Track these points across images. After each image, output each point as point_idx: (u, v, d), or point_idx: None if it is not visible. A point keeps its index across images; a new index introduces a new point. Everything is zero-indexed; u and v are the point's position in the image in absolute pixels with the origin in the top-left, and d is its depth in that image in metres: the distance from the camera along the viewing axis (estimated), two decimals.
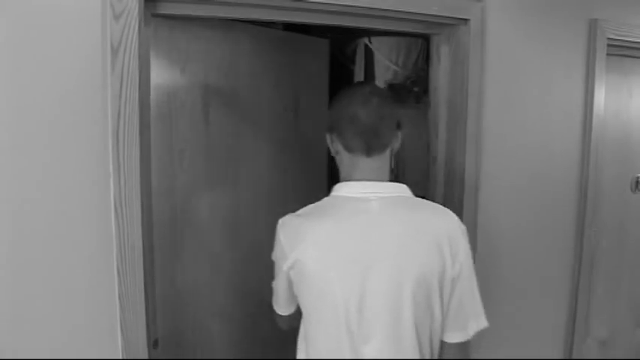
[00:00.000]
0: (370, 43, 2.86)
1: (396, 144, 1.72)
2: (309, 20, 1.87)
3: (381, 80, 2.82)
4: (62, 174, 1.52)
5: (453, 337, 1.60)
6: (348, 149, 1.62)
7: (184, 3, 1.64)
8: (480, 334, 2.13)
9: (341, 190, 1.63)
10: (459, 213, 2.13)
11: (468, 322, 1.62)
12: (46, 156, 1.50)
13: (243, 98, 2.32)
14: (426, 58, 2.83)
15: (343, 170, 1.68)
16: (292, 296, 1.65)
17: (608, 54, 2.46)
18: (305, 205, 1.63)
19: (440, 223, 1.62)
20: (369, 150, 1.61)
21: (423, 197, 1.74)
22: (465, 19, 2.06)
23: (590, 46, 2.42)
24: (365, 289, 1.51)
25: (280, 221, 1.62)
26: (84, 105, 1.52)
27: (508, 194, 2.31)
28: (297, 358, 1.70)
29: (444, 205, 1.76)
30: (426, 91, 2.41)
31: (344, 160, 1.66)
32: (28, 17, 1.44)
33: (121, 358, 1.62)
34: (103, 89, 1.52)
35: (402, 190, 1.66)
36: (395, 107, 1.73)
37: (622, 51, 2.58)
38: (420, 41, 2.86)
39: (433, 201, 2.22)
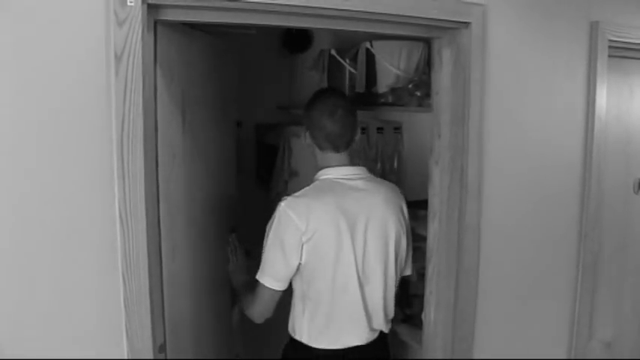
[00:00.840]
0: (372, 47, 2.86)
1: (357, 137, 2.26)
2: (311, 25, 1.88)
3: (382, 84, 2.82)
4: (66, 180, 1.53)
5: (407, 272, 2.36)
6: (321, 148, 2.21)
7: (187, 9, 1.64)
8: (485, 336, 2.16)
9: (326, 174, 2.19)
10: (461, 215, 2.15)
11: (408, 261, 2.35)
12: (50, 162, 1.50)
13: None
14: (427, 61, 2.84)
15: (319, 160, 2.24)
16: (294, 271, 2.08)
17: (609, 56, 2.47)
18: None
19: (395, 194, 2.29)
20: (337, 149, 2.19)
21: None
22: (467, 23, 2.07)
23: (592, 48, 2.43)
24: (366, 243, 2.12)
25: (283, 203, 2.07)
26: (87, 111, 1.52)
27: (510, 196, 2.32)
28: (295, 336, 2.17)
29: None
30: (428, 94, 2.42)
31: (318, 154, 2.24)
32: (31, 24, 1.44)
33: None
34: (107, 95, 1.52)
35: (366, 171, 2.25)
36: (355, 112, 2.24)
37: (623, 52, 2.59)
38: (422, 45, 2.85)
39: (437, 204, 2.23)
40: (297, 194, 2.11)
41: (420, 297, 2.55)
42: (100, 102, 1.52)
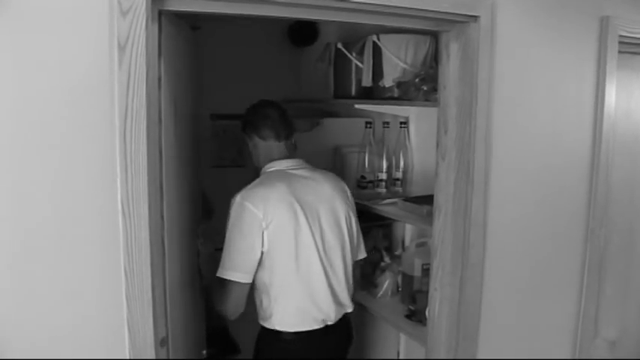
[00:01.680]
0: (378, 40, 2.84)
1: (294, 134, 2.56)
2: (318, 17, 1.86)
3: (389, 78, 2.80)
4: (69, 172, 1.51)
5: (361, 255, 2.58)
6: (264, 138, 2.48)
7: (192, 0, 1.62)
8: (489, 332, 2.14)
9: (272, 167, 2.44)
10: (468, 210, 2.13)
11: (361, 245, 2.59)
12: (52, 154, 1.48)
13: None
14: (434, 55, 2.81)
15: (262, 155, 2.49)
16: (258, 260, 2.24)
17: (619, 51, 2.44)
18: None
19: (337, 179, 2.56)
20: (279, 137, 2.48)
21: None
22: (475, 16, 2.04)
23: (602, 44, 2.41)
24: (321, 224, 2.34)
25: (238, 197, 2.28)
26: (90, 102, 1.50)
27: (517, 192, 2.30)
28: (265, 324, 2.35)
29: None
30: (434, 88, 2.40)
31: (261, 148, 2.49)
32: (34, 13, 1.42)
33: (127, 357, 1.61)
34: (110, 86, 1.50)
35: (305, 162, 2.51)
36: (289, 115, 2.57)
37: (634, 48, 2.56)
38: (429, 38, 2.84)
39: (443, 199, 2.22)
40: (249, 187, 2.32)
41: (424, 293, 2.54)
42: (103, 93, 1.50)
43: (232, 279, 2.20)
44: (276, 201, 2.26)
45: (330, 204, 2.40)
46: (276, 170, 2.42)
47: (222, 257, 2.24)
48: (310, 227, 2.30)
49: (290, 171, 2.42)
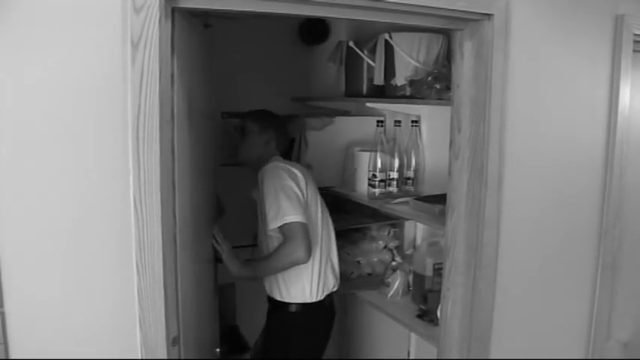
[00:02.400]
0: (391, 38, 2.84)
1: None
2: (332, 15, 1.85)
3: (401, 76, 2.79)
4: (81, 170, 1.51)
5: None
6: (276, 145, 2.86)
7: None
8: (502, 333, 2.13)
9: (277, 159, 2.76)
10: (481, 210, 2.12)
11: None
12: (65, 152, 1.49)
13: None
14: (447, 54, 2.80)
15: (268, 153, 2.82)
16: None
17: (634, 50, 2.43)
18: None
19: None
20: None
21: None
22: (489, 15, 2.03)
23: (616, 43, 2.39)
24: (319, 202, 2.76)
25: (276, 163, 2.67)
26: (103, 99, 1.50)
27: (531, 192, 2.29)
28: (298, 299, 2.66)
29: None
30: (447, 87, 2.38)
31: (271, 149, 2.84)
32: (47, 11, 1.42)
33: (139, 355, 1.61)
34: (123, 84, 1.50)
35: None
36: None
37: None
38: (442, 37, 2.82)
39: (456, 199, 2.21)
40: (274, 162, 2.70)
41: (436, 292, 2.53)
42: (115, 90, 1.50)
43: (297, 220, 2.46)
44: (302, 171, 2.70)
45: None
46: (280, 161, 2.75)
47: (278, 209, 2.47)
48: (321, 202, 2.77)
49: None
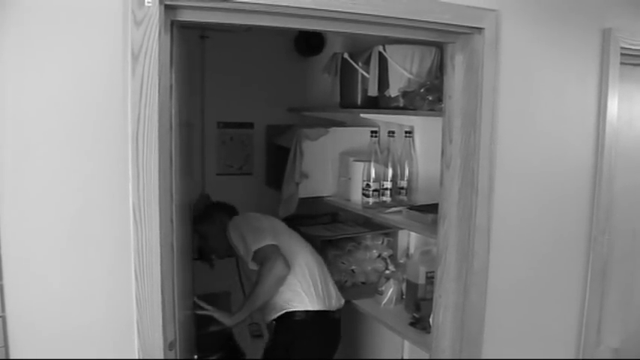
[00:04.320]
0: (384, 50, 2.88)
1: None
2: (327, 28, 1.90)
3: (395, 88, 2.83)
4: (82, 176, 1.55)
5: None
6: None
7: (204, 10, 1.66)
8: (493, 339, 2.15)
9: None
10: (472, 218, 2.16)
11: None
12: (66, 159, 1.53)
13: None
14: (439, 66, 2.85)
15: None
16: None
17: (621, 63, 2.47)
18: None
19: None
20: None
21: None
22: (480, 28, 2.08)
23: (604, 55, 2.43)
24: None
25: (235, 220, 2.87)
26: (104, 109, 1.55)
27: (521, 200, 2.32)
28: (300, 306, 2.72)
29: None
30: (439, 98, 2.43)
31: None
32: (51, 22, 1.47)
33: (137, 359, 1.65)
34: (124, 94, 1.54)
35: None
36: None
37: (635, 60, 2.59)
38: (434, 49, 2.87)
39: (447, 207, 2.24)
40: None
41: (429, 300, 2.56)
42: (116, 100, 1.54)
43: (265, 244, 2.64)
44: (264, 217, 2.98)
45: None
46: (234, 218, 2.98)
47: (245, 245, 2.67)
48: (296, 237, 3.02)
49: None
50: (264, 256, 2.60)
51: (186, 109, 2.24)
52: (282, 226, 2.95)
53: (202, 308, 2.63)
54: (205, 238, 3.02)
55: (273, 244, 2.64)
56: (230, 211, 3.05)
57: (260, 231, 2.70)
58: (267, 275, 2.58)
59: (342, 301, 2.92)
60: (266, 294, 2.64)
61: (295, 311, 2.73)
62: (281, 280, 2.61)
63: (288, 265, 2.60)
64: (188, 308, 2.33)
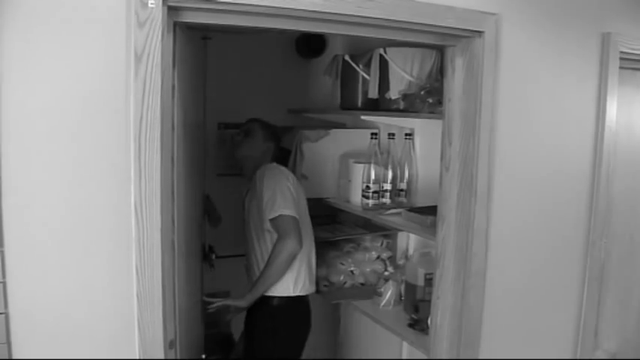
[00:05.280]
0: (385, 53, 2.89)
1: None
2: (328, 30, 1.91)
3: (395, 90, 2.84)
4: (84, 175, 1.56)
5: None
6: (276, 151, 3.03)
7: (207, 12, 1.67)
8: (490, 342, 2.17)
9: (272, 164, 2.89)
10: (471, 220, 2.17)
11: None
12: (68, 159, 1.54)
13: None
14: (440, 69, 2.86)
15: (267, 157, 2.96)
16: None
17: (620, 67, 2.48)
18: None
19: None
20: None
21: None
22: (480, 32, 2.09)
23: (603, 60, 2.44)
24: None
25: (274, 165, 2.87)
26: (107, 109, 1.56)
27: (519, 203, 2.34)
28: (282, 292, 2.75)
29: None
30: (440, 101, 2.44)
31: (269, 156, 2.98)
32: (54, 23, 1.48)
33: (137, 357, 1.66)
34: (126, 95, 1.56)
35: None
36: None
37: (635, 64, 2.60)
38: (435, 52, 2.88)
39: (446, 209, 2.26)
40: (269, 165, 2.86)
41: (427, 302, 2.57)
42: (118, 101, 1.56)
43: (289, 214, 2.63)
44: (295, 181, 2.86)
45: None
46: (275, 165, 2.91)
47: (274, 203, 2.64)
48: (307, 211, 2.93)
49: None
50: (284, 226, 2.62)
51: (193, 110, 2.26)
52: (303, 204, 2.91)
53: (212, 303, 2.65)
54: (239, 146, 3.06)
55: (296, 217, 2.65)
56: (273, 133, 3.07)
57: (291, 198, 2.70)
58: (282, 252, 2.59)
59: (314, 287, 2.97)
60: (279, 272, 2.66)
61: (273, 296, 2.76)
62: (292, 258, 2.63)
63: (301, 243, 2.62)
64: (194, 308, 2.35)
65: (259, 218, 2.78)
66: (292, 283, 2.77)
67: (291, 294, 2.78)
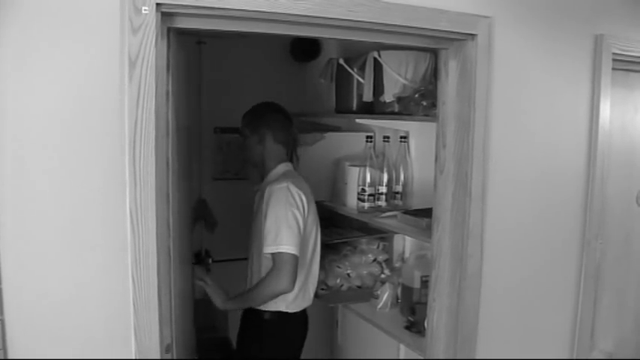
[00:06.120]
0: (379, 56, 2.90)
1: None
2: (319, 35, 1.92)
3: (389, 93, 2.85)
4: (80, 181, 1.57)
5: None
6: (282, 144, 2.74)
7: (200, 17, 1.68)
8: (487, 343, 2.17)
9: (286, 167, 2.74)
10: (466, 222, 2.18)
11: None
12: (63, 164, 1.55)
13: None
14: (434, 71, 2.87)
15: (274, 157, 2.73)
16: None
17: (613, 69, 2.49)
18: None
19: None
20: (287, 144, 2.78)
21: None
22: (473, 35, 2.10)
23: (596, 61, 2.46)
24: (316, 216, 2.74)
25: (285, 184, 2.54)
26: (101, 114, 1.57)
27: (514, 204, 2.35)
28: (276, 307, 2.59)
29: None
30: (434, 104, 2.45)
31: (273, 151, 2.73)
32: (49, 29, 1.49)
33: None
34: (121, 100, 1.56)
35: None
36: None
37: (627, 66, 2.61)
38: (429, 55, 2.89)
39: (441, 211, 2.26)
40: (286, 180, 2.58)
41: (424, 304, 2.58)
42: (113, 106, 1.56)
43: (290, 252, 2.43)
44: (309, 193, 2.66)
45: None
46: (289, 170, 2.73)
47: (276, 235, 2.44)
48: (316, 220, 2.72)
49: (293, 170, 2.77)
50: (281, 265, 2.42)
51: (185, 114, 2.27)
52: (314, 212, 2.70)
53: (203, 280, 2.61)
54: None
55: (296, 256, 2.44)
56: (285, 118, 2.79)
57: (297, 230, 2.49)
58: (270, 287, 2.45)
59: (311, 301, 2.79)
60: (260, 301, 2.56)
61: (265, 310, 2.62)
62: (279, 295, 2.50)
63: (293, 284, 2.44)
64: (188, 311, 2.35)
65: (259, 240, 2.60)
66: (284, 300, 2.59)
67: (282, 310, 2.63)
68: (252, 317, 2.68)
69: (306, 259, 2.68)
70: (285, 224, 2.46)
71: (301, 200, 2.56)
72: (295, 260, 2.44)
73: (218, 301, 2.61)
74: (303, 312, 2.76)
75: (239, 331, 2.84)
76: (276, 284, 2.43)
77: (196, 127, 3.46)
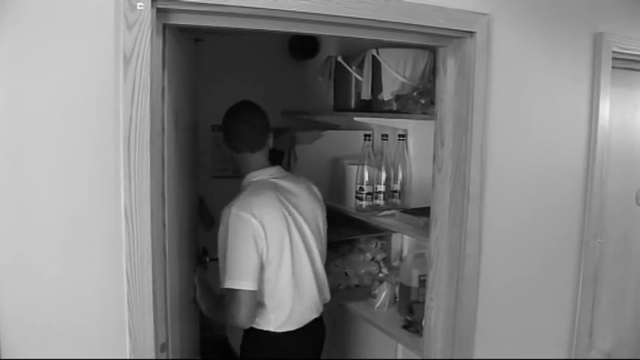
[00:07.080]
0: (378, 54, 2.89)
1: (270, 140, 2.56)
2: (317, 32, 1.91)
3: (388, 91, 2.84)
4: (74, 180, 1.55)
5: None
6: (237, 150, 2.52)
7: (196, 14, 1.67)
8: (484, 343, 2.16)
9: (256, 176, 2.49)
10: (464, 221, 2.17)
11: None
12: (57, 161, 1.53)
13: None
14: (432, 69, 2.86)
15: (242, 165, 2.54)
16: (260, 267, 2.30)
17: (613, 67, 2.49)
18: None
19: (313, 186, 2.66)
20: (251, 149, 2.49)
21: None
22: (471, 32, 2.09)
23: (595, 60, 2.45)
24: (306, 232, 2.47)
25: (234, 208, 2.30)
26: (96, 112, 1.55)
27: (512, 204, 2.34)
28: (262, 327, 2.40)
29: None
30: (432, 102, 2.44)
31: (239, 159, 2.53)
32: (43, 25, 1.48)
33: None
34: (116, 97, 1.55)
35: (282, 170, 2.59)
36: (265, 117, 2.54)
37: (627, 64, 2.60)
38: (427, 53, 2.88)
39: (439, 210, 2.25)
40: (241, 197, 2.38)
41: (421, 304, 2.57)
42: (108, 103, 1.55)
43: (242, 288, 2.24)
44: (270, 209, 2.36)
45: (311, 211, 2.55)
46: (261, 180, 2.48)
47: (227, 268, 2.26)
48: (300, 233, 2.44)
49: (273, 180, 2.49)
50: (235, 303, 2.26)
51: (186, 112, 2.25)
52: (284, 226, 2.38)
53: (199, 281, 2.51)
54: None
55: (248, 291, 2.24)
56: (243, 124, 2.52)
57: (249, 263, 2.27)
58: (230, 318, 2.31)
59: (307, 321, 2.52)
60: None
61: (254, 328, 2.41)
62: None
63: (251, 320, 2.31)
64: (188, 310, 2.34)
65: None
66: (274, 319, 2.40)
67: (271, 329, 2.41)
68: (246, 334, 2.51)
69: (299, 275, 2.45)
70: (235, 257, 2.27)
71: (258, 224, 2.29)
72: (247, 295, 2.25)
73: (203, 307, 2.50)
74: (312, 324, 2.54)
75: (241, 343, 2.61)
76: (232, 319, 2.30)
77: (194, 125, 3.45)
